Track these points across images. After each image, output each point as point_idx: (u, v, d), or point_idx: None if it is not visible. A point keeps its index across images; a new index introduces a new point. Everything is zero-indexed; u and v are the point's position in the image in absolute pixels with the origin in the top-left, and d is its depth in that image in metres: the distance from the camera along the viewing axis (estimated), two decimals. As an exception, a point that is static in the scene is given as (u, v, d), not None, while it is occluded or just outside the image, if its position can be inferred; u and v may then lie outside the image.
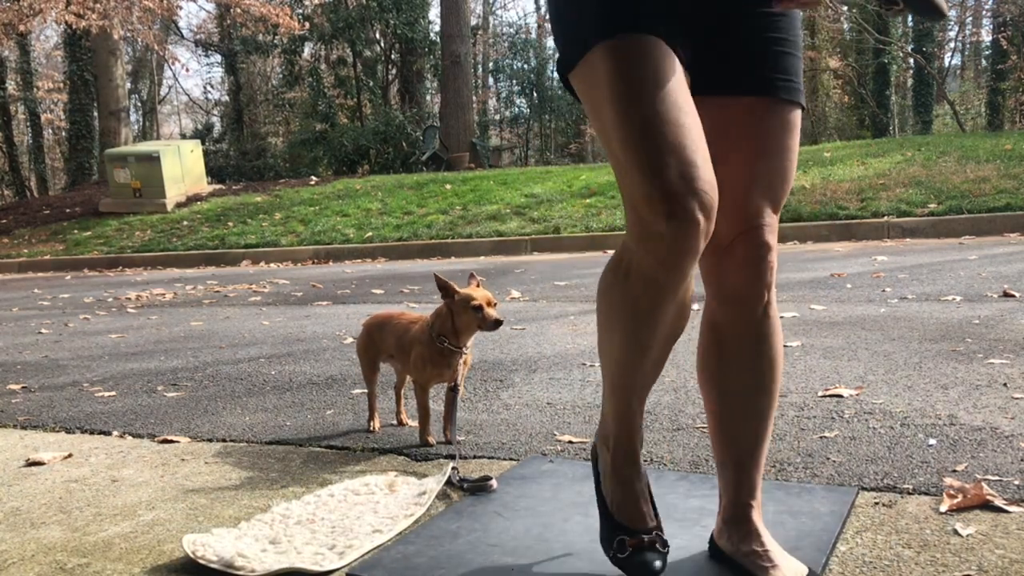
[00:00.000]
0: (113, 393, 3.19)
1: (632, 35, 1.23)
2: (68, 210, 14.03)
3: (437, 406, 2.34)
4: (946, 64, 26.82)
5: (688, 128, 1.21)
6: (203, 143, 16.83)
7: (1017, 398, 2.32)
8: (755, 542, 1.35)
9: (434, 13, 20.63)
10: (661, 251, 1.21)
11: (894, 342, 3.17)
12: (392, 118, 17.12)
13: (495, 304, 2.10)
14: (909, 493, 1.70)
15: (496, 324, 2.07)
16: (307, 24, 18.22)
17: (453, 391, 2.18)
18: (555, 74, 30.89)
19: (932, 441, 2.01)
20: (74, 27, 14.28)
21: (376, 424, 2.44)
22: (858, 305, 4.10)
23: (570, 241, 8.77)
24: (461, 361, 2.17)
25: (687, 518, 1.61)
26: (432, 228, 9.89)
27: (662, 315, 1.29)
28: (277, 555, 1.57)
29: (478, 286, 2.13)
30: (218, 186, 14.63)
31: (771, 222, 1.35)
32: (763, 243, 1.33)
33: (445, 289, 2.11)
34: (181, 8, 31.02)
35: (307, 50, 21.08)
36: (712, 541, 1.44)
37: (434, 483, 1.89)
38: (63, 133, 22.37)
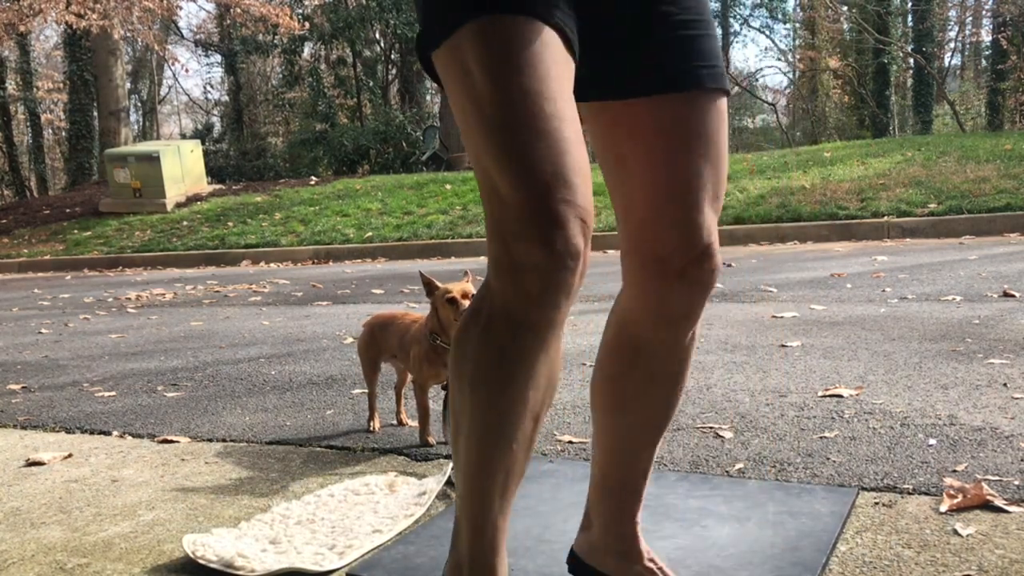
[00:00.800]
0: (113, 393, 3.19)
1: (513, 15, 1.01)
2: (68, 210, 14.03)
3: (437, 406, 2.34)
4: (946, 64, 26.83)
5: (571, 142, 1.00)
6: (203, 143, 16.83)
7: (1017, 398, 2.32)
8: (646, 559, 1.28)
9: (434, 13, 20.60)
10: (534, 286, 1.00)
11: (894, 342, 3.17)
12: (392, 118, 17.12)
13: (473, 295, 2.09)
14: (909, 493, 1.70)
15: None
16: (307, 24, 18.21)
17: (446, 389, 2.19)
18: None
19: (932, 441, 2.01)
20: (74, 27, 14.28)
21: (376, 424, 2.45)
22: (858, 305, 4.10)
23: (570, 241, 8.75)
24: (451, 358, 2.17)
25: (687, 518, 1.61)
26: (432, 228, 9.89)
27: (533, 371, 1.05)
28: (277, 555, 1.57)
29: (469, 282, 2.14)
30: (218, 186, 14.62)
31: (716, 235, 1.19)
32: (716, 267, 1.17)
33: (428, 285, 2.13)
34: (181, 8, 31.02)
35: (307, 50, 21.06)
36: (577, 559, 1.33)
37: (434, 483, 1.89)
38: (63, 133, 22.37)
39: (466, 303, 2.05)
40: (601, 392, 1.29)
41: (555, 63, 1.03)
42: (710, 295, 1.19)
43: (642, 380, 1.24)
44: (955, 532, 1.49)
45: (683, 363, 1.25)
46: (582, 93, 1.14)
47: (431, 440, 2.24)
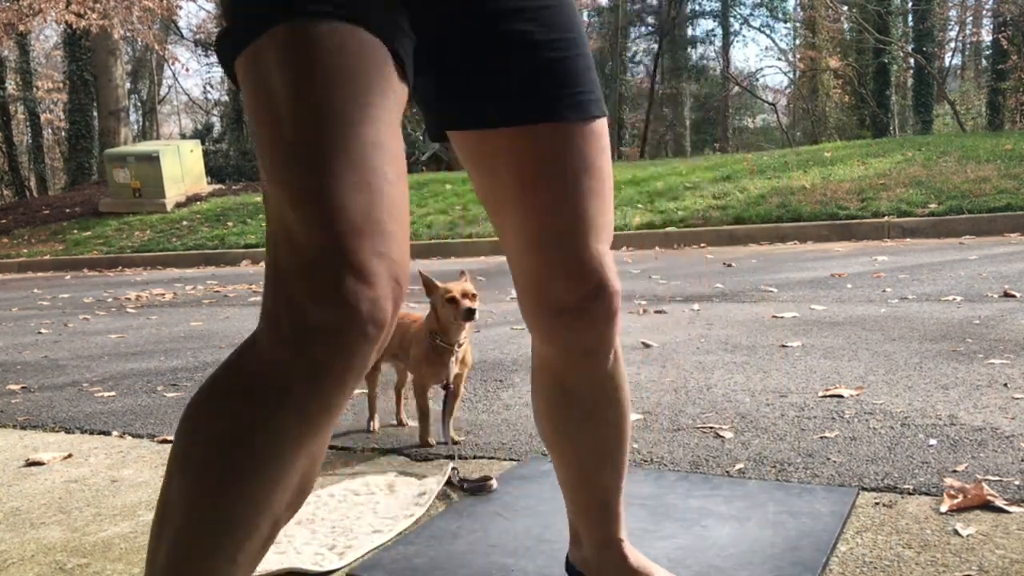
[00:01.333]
0: (113, 393, 3.19)
1: (331, 22, 0.84)
2: (68, 210, 14.03)
3: (437, 406, 2.34)
4: (946, 64, 26.84)
5: (389, 179, 0.83)
6: (203, 143, 16.83)
7: (1017, 398, 2.32)
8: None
9: (434, 13, 20.63)
10: (322, 357, 0.79)
11: (894, 342, 3.17)
12: (392, 118, 17.11)
13: (473, 295, 2.09)
14: (909, 493, 1.70)
15: (468, 313, 2.05)
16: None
17: (446, 389, 2.19)
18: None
19: (932, 441, 2.01)
20: (74, 27, 14.28)
21: (376, 424, 2.45)
22: (858, 305, 4.10)
23: (570, 241, 8.75)
24: (455, 359, 2.17)
25: (687, 518, 1.61)
26: (432, 228, 9.89)
27: (289, 464, 0.83)
28: (277, 555, 1.57)
29: (468, 281, 2.14)
30: (218, 186, 14.63)
31: (612, 264, 1.10)
32: (612, 295, 1.09)
33: (427, 285, 2.13)
34: (181, 8, 31.02)
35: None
36: (574, 569, 1.31)
37: (434, 483, 1.89)
38: (63, 133, 22.36)
39: (467, 302, 2.06)
40: (543, 430, 1.24)
41: (379, 81, 0.85)
42: (617, 321, 1.12)
43: (579, 417, 1.19)
44: (955, 532, 1.49)
45: (615, 389, 1.18)
46: (444, 122, 1.06)
47: (431, 440, 2.24)
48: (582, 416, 1.19)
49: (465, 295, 2.07)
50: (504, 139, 1.03)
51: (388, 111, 0.86)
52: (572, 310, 1.08)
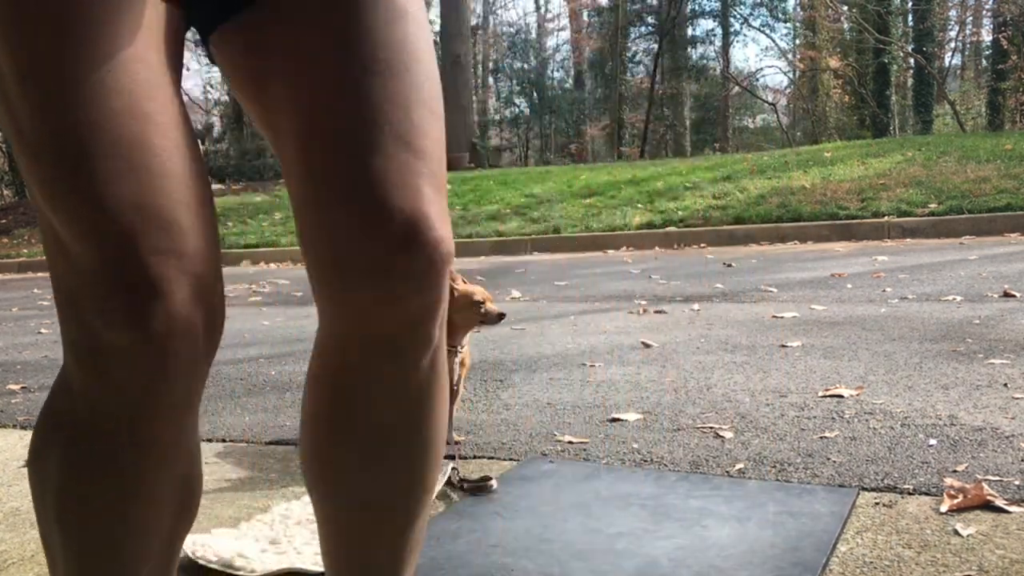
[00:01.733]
0: (113, 393, 3.19)
1: None
2: (68, 210, 14.04)
3: (437, 406, 2.35)
4: (946, 64, 26.84)
5: (169, 153, 0.67)
6: (203, 143, 16.83)
7: (1018, 398, 2.32)
8: None
9: (434, 13, 20.65)
10: (128, 383, 0.69)
11: (894, 342, 3.17)
12: (392, 118, 17.12)
13: (491, 299, 2.12)
14: (909, 493, 1.70)
15: (500, 316, 2.09)
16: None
17: (449, 391, 2.19)
18: (555, 73, 30.96)
19: (932, 441, 2.01)
20: (74, 27, 14.28)
21: (376, 424, 2.44)
22: (858, 305, 4.10)
23: (570, 241, 8.77)
24: (457, 361, 2.17)
25: (687, 518, 1.61)
26: (432, 228, 9.88)
27: (143, 505, 0.74)
28: (277, 555, 1.57)
29: (464, 283, 2.15)
30: (218, 186, 14.64)
31: (433, 198, 0.75)
32: (437, 247, 0.74)
33: None
34: (181, 8, 30.93)
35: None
36: None
37: (434, 483, 1.89)
38: (63, 133, 22.36)
39: (491, 305, 2.08)
40: (312, 471, 0.85)
41: (127, 19, 0.65)
42: (443, 300, 0.78)
43: (363, 448, 0.82)
44: (955, 532, 1.49)
45: (423, 408, 0.82)
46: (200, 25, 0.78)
47: (431, 440, 2.24)
48: (369, 446, 0.82)
49: (486, 298, 2.09)
50: (273, 27, 0.75)
51: (151, 64, 0.67)
52: (371, 269, 0.73)
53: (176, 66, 0.72)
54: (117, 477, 0.72)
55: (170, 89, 0.69)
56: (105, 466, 0.72)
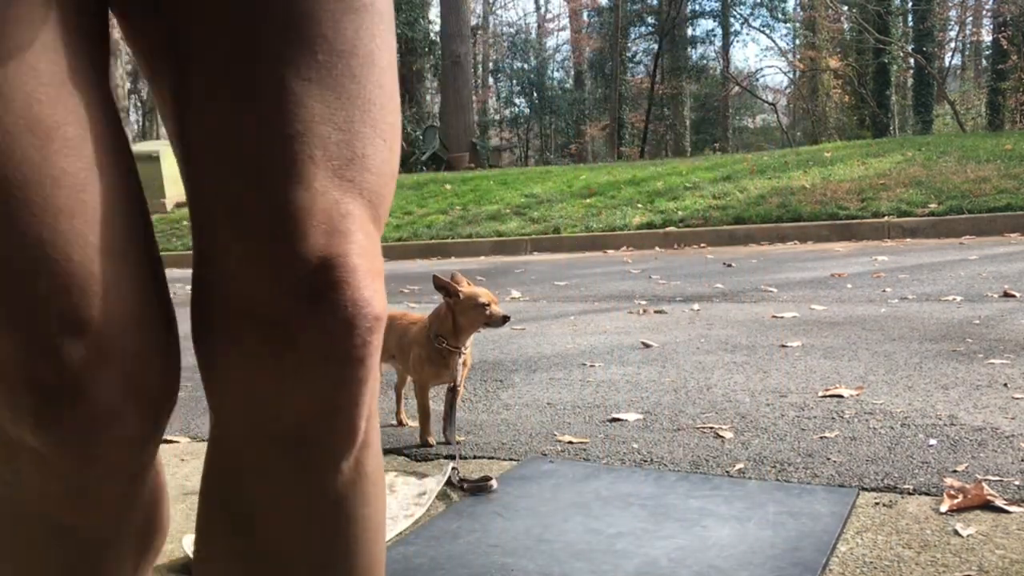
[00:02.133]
0: (113, 393, 3.19)
1: None
2: (68, 210, 14.05)
3: (437, 406, 2.34)
4: (946, 64, 26.85)
5: (69, 178, 0.51)
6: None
7: (1017, 398, 2.32)
8: None
9: (434, 13, 20.66)
10: (47, 477, 0.57)
11: (894, 342, 3.17)
12: (392, 118, 17.11)
13: (496, 301, 2.12)
14: (909, 493, 1.70)
15: (504, 319, 2.09)
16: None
17: (452, 392, 2.19)
18: (555, 73, 30.91)
19: (932, 441, 2.01)
20: (74, 27, 14.27)
21: (376, 424, 2.44)
22: (858, 305, 4.10)
23: (570, 241, 8.77)
24: (460, 362, 2.17)
25: (687, 518, 1.61)
26: (432, 228, 9.89)
27: (111, 557, 0.65)
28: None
29: (469, 285, 2.15)
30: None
31: (368, 268, 0.60)
32: (360, 317, 0.59)
33: (445, 289, 2.11)
34: (181, 8, 30.97)
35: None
36: None
37: (434, 483, 1.89)
38: (63, 133, 22.35)
39: (495, 308, 2.08)
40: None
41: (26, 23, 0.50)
42: (366, 365, 0.60)
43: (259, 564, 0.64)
44: (955, 532, 1.49)
45: (351, 523, 0.65)
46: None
47: (431, 440, 2.24)
48: (267, 560, 0.63)
49: (492, 300, 2.09)
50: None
51: (53, 19, 0.51)
52: (273, 322, 0.57)
53: (95, 51, 0.55)
54: (69, 557, 0.62)
55: (87, 84, 0.53)
56: (63, 561, 0.62)
